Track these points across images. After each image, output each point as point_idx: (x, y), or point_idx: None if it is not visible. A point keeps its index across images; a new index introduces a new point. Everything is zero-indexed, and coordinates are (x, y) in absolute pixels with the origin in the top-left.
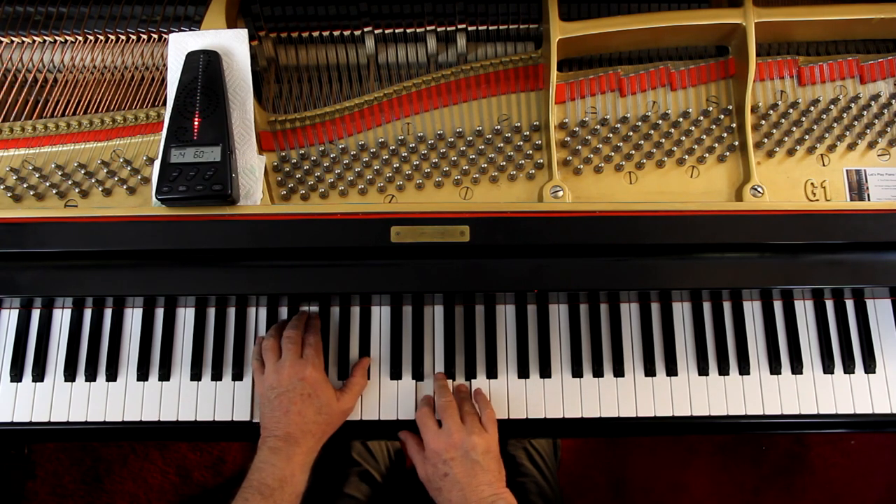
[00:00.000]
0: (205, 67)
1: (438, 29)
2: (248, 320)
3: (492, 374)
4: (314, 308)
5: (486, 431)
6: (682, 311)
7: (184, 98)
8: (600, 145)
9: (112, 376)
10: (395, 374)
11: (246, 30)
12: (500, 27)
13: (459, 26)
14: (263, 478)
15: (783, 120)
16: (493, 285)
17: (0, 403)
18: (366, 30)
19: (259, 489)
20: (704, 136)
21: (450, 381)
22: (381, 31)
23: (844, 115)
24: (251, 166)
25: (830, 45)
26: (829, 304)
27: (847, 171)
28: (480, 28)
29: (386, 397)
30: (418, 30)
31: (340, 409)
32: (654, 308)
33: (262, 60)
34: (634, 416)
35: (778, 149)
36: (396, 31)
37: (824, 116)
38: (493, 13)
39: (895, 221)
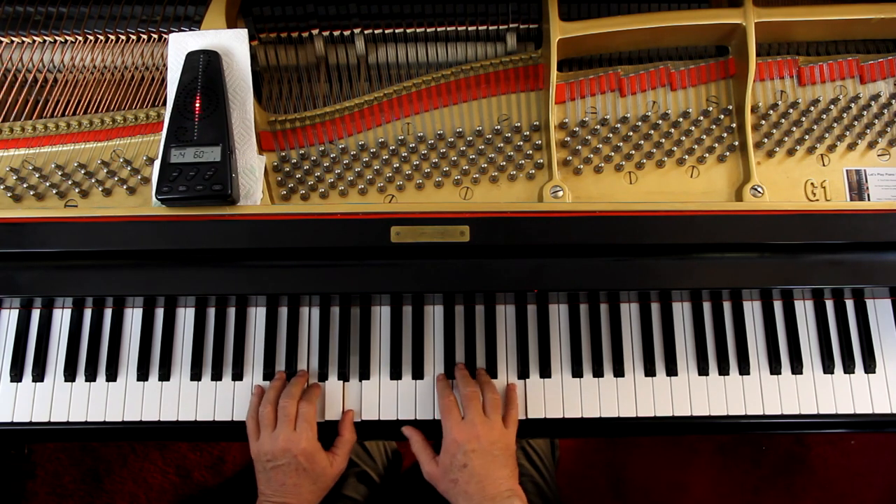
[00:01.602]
0: (205, 67)
1: (438, 29)
2: (248, 320)
3: (492, 374)
4: (314, 309)
5: (507, 429)
6: (682, 311)
7: (184, 98)
8: (600, 145)
9: (112, 376)
10: (395, 374)
11: (246, 30)
12: (500, 27)
13: (459, 27)
14: None
15: (783, 120)
16: (493, 285)
17: (0, 403)
18: (365, 31)
19: None
20: (704, 136)
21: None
22: (381, 31)
23: (844, 115)
24: (251, 166)
25: (830, 45)
26: (829, 304)
27: (847, 171)
28: (480, 28)
29: (386, 397)
30: (418, 30)
31: (334, 475)
32: (654, 308)
33: (262, 60)
34: (634, 416)
35: (778, 149)
36: (396, 31)
37: (824, 116)
38: (493, 13)
39: (895, 221)
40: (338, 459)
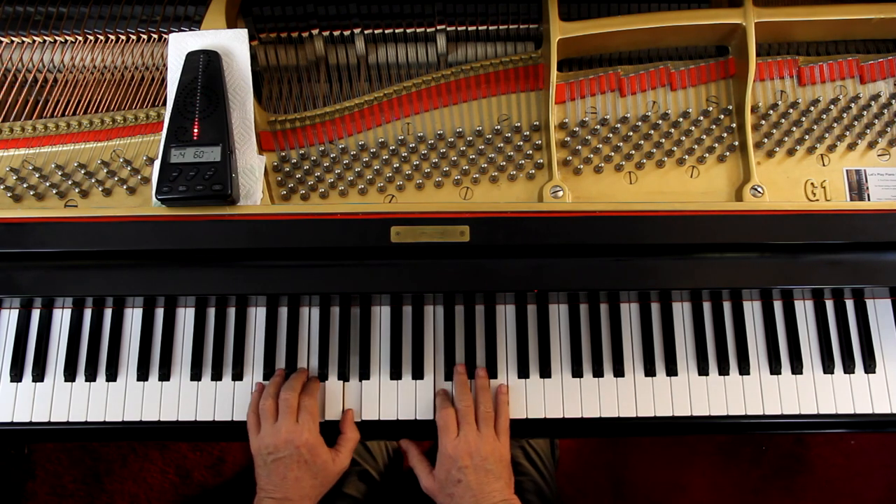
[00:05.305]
0: (205, 67)
1: (439, 29)
2: (248, 320)
3: (492, 373)
4: (314, 309)
5: (499, 440)
6: (682, 311)
7: (184, 98)
8: (600, 145)
9: (112, 376)
10: (395, 375)
11: (246, 30)
12: (500, 27)
13: (460, 27)
14: None
15: (783, 120)
16: (493, 285)
17: (0, 403)
18: (365, 31)
19: None
20: (704, 136)
21: (467, 379)
22: (381, 31)
23: (844, 115)
24: (251, 166)
25: (830, 45)
26: (829, 304)
27: (847, 171)
28: (480, 28)
29: (386, 398)
30: (418, 30)
31: (336, 471)
32: (654, 308)
33: (262, 60)
34: (634, 416)
35: (778, 149)
36: (396, 31)
37: (824, 116)
38: (493, 13)
39: (895, 221)
40: (340, 457)
